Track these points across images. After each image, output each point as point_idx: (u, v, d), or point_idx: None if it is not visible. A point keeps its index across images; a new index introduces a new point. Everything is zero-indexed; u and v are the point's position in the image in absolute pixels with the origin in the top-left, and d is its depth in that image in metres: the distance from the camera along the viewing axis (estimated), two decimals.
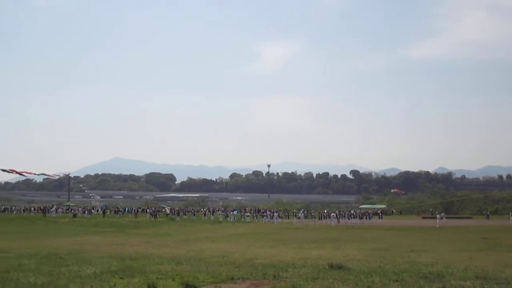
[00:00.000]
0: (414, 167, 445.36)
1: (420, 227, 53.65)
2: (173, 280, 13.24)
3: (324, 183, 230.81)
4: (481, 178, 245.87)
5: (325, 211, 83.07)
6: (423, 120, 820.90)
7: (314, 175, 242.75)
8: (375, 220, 71.05)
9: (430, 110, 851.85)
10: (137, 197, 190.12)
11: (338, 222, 65.95)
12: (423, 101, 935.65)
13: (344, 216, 72.44)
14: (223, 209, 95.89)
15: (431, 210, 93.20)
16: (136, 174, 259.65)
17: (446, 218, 64.00)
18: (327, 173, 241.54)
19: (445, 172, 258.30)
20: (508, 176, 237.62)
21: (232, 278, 13.79)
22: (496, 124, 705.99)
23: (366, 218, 72.25)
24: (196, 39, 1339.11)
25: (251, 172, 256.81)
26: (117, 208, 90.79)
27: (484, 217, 77.85)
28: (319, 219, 74.21)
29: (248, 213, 76.23)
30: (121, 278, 13.61)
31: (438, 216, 62.89)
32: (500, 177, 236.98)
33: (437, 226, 54.99)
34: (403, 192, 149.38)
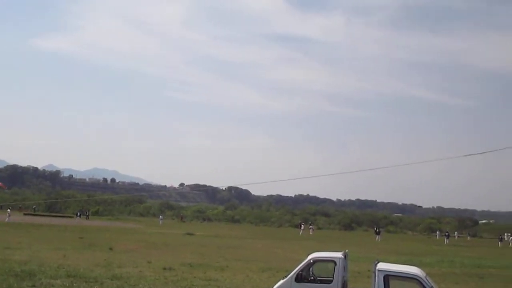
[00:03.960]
0: (24, 162, 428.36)
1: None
2: None
3: None
4: (87, 179, 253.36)
5: None
6: (44, 114, 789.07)
7: None
8: None
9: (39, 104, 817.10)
10: None
11: None
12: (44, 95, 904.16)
13: None
14: None
15: (34, 207, 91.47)
16: None
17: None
18: None
19: (54, 170, 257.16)
20: (113, 179, 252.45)
21: None
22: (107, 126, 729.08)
23: None
24: None
25: None
26: None
27: (74, 217, 79.86)
28: None
29: None
30: None
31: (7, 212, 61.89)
32: (105, 180, 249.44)
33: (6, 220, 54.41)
34: (6, 187, 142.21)
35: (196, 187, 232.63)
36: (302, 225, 77.81)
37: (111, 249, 27.37)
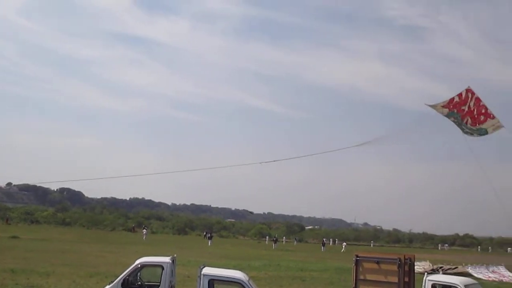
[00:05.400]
0: None
1: None
2: None
3: None
4: None
5: None
6: None
7: None
8: None
9: None
10: None
11: None
12: None
13: None
14: None
15: None
16: None
17: None
18: None
19: None
20: None
21: None
22: None
23: None
24: None
25: None
26: None
27: None
28: None
29: None
30: None
31: None
32: None
33: None
34: None
35: (25, 187, 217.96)
36: (145, 230, 76.87)
37: None
